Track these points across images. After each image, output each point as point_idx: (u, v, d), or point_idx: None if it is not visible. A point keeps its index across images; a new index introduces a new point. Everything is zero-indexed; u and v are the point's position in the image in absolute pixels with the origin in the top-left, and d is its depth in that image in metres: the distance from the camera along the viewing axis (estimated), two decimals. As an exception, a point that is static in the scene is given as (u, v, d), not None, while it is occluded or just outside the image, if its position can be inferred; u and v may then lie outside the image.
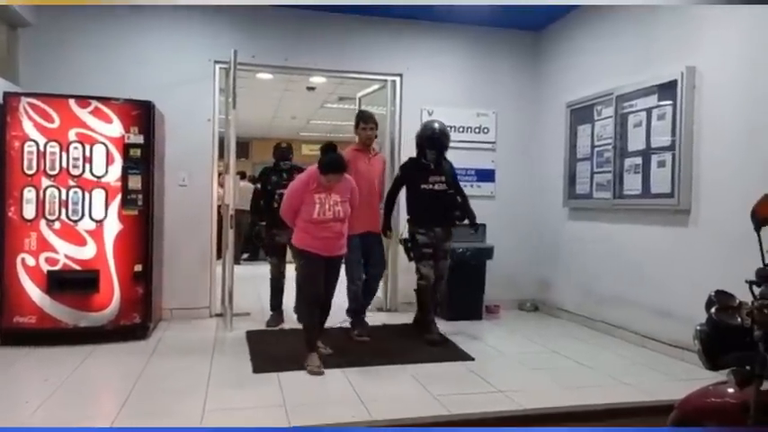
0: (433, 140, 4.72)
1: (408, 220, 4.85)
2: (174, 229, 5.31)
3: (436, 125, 4.81)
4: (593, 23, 5.34)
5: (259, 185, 5.18)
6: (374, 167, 4.84)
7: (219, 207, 5.73)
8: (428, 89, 5.98)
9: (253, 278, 8.16)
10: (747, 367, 2.21)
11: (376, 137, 4.86)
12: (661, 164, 4.34)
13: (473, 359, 4.16)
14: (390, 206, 4.87)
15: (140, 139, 4.54)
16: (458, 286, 5.29)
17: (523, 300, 6.20)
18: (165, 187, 5.20)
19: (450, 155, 6.11)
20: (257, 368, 3.87)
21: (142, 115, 4.56)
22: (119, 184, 4.49)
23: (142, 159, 4.55)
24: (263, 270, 9.40)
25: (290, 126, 12.63)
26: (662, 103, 4.35)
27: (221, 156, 5.62)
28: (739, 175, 3.76)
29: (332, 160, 3.77)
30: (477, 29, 6.07)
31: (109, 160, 4.47)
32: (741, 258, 2.27)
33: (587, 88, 5.30)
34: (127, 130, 4.51)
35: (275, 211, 4.41)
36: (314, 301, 3.90)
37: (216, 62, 5.47)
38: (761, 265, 2.24)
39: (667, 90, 4.26)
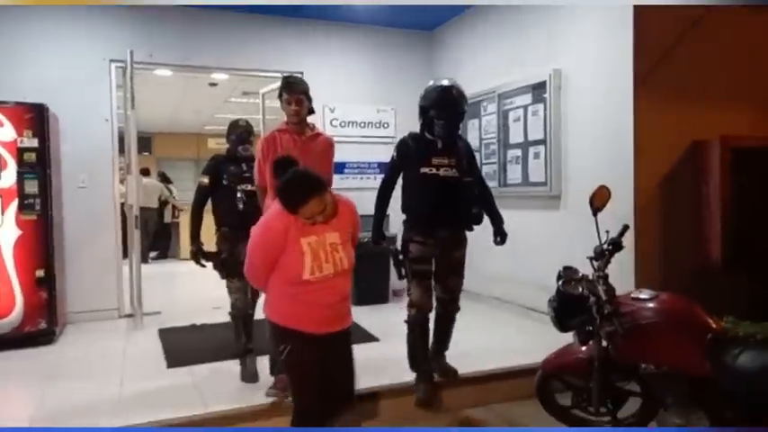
0: (445, 104, 3.27)
1: (404, 222, 3.54)
2: (77, 231, 5.24)
3: (446, 81, 3.41)
4: (480, 26, 5.81)
5: (206, 180, 3.74)
6: (314, 153, 3.29)
7: (123, 205, 5.70)
8: (329, 86, 6.22)
9: (162, 276, 8.12)
10: (589, 328, 2.71)
11: (312, 111, 3.44)
12: (536, 155, 4.90)
13: (378, 340, 4.51)
14: (383, 204, 3.53)
15: (35, 143, 4.47)
16: (365, 273, 5.62)
17: (426, 282, 6.65)
18: (63, 190, 5.11)
19: (352, 149, 6.39)
20: (171, 363, 4.01)
21: (35, 118, 4.48)
22: (14, 188, 4.41)
23: (38, 163, 4.48)
24: (172, 268, 9.38)
25: (193, 120, 12.41)
26: (535, 101, 4.90)
27: (122, 152, 5.58)
28: (598, 165, 4.35)
29: (291, 183, 2.29)
30: (374, 29, 6.38)
31: (2, 165, 4.37)
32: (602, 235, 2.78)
33: (475, 86, 5.76)
34: (20, 134, 4.43)
35: (238, 216, 3.57)
36: (315, 410, 2.42)
37: (111, 61, 5.41)
38: (601, 244, 2.75)
39: (539, 90, 4.81)
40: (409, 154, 3.43)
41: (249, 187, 3.66)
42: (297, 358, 2.39)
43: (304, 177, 2.31)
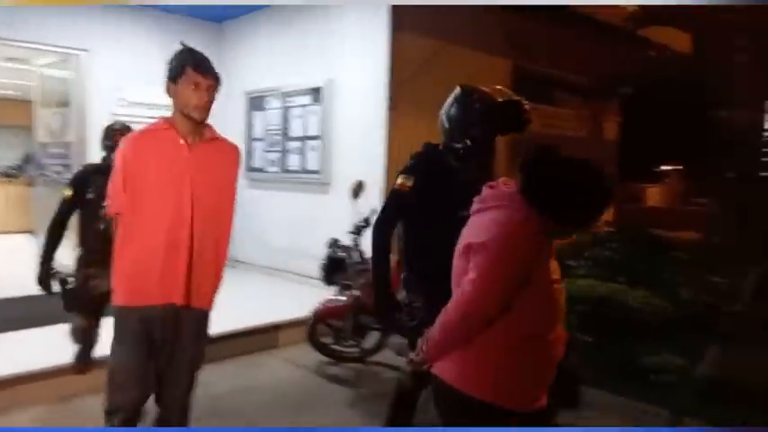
0: (514, 123, 2.37)
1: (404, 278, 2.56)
2: None
3: (489, 87, 2.45)
4: (266, 27, 6.52)
5: (68, 192, 3.13)
6: (212, 167, 2.35)
7: None
8: (118, 67, 6.34)
9: None
10: (347, 282, 3.78)
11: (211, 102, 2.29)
12: (313, 148, 5.88)
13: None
14: (384, 255, 2.47)
15: None
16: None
17: (212, 256, 7.21)
18: None
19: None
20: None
21: None
22: None
23: None
24: None
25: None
26: (313, 102, 5.86)
27: None
28: (360, 160, 5.48)
29: (591, 179, 1.64)
30: (165, 14, 6.64)
31: None
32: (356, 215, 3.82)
33: (262, 81, 6.51)
34: None
35: (98, 238, 2.96)
36: None
37: None
38: (357, 221, 3.81)
39: (316, 93, 5.78)
40: (432, 186, 2.35)
41: None
42: None
43: (598, 169, 1.65)
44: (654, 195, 15.63)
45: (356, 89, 5.55)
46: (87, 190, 3.10)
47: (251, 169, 6.74)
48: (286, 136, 6.20)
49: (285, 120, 6.19)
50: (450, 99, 2.40)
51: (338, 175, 5.72)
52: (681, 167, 16.92)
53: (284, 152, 6.23)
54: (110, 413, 2.30)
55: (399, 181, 2.39)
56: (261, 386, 3.79)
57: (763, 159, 5.24)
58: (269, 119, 6.45)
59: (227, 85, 7.02)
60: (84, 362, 3.34)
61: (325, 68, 5.76)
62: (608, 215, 8.08)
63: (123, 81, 6.39)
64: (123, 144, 2.28)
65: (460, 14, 5.59)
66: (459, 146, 2.38)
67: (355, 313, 3.93)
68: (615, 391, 3.68)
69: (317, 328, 4.23)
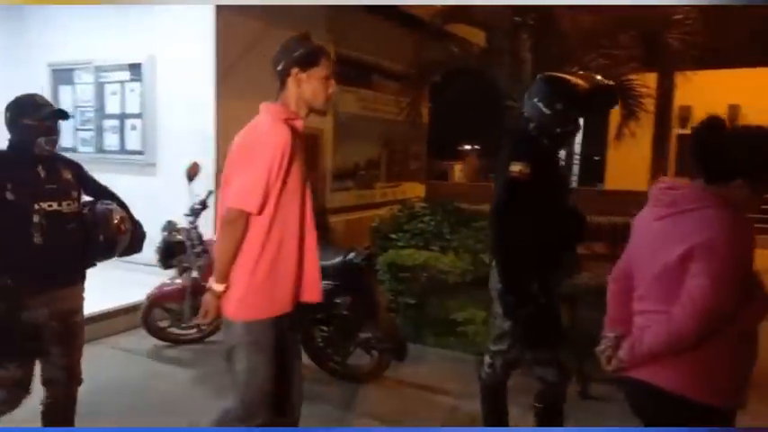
0: (608, 94, 2.60)
1: (507, 269, 2.40)
2: None
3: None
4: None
5: None
6: None
7: None
8: None
9: None
10: (185, 264, 3.82)
11: None
12: (133, 127, 5.61)
13: None
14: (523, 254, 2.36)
15: None
16: None
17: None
18: None
19: None
20: None
21: None
22: None
23: None
24: None
25: None
26: (132, 79, 5.56)
27: None
28: (186, 140, 5.39)
29: None
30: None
31: None
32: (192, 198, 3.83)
33: (70, 53, 5.93)
34: None
35: (32, 254, 2.27)
36: None
37: None
38: (193, 204, 3.86)
39: (136, 69, 5.50)
40: (540, 171, 2.34)
41: (54, 206, 2.33)
42: None
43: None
44: (458, 172, 17.51)
45: (181, 67, 5.41)
46: (4, 187, 2.26)
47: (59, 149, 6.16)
48: (101, 113, 5.80)
49: (100, 96, 5.78)
50: (542, 87, 2.40)
51: (165, 156, 5.56)
52: (479, 148, 19.14)
53: (99, 131, 5.83)
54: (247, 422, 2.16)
55: (517, 168, 2.30)
56: (99, 377, 3.64)
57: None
58: (80, 94, 5.95)
59: (28, 55, 6.40)
60: None
61: (145, 44, 5.50)
62: (420, 192, 8.99)
63: None
64: (277, 136, 2.06)
65: (283, -1, 5.73)
66: (562, 130, 2.41)
67: (194, 295, 3.98)
68: (433, 344, 4.32)
69: (152, 312, 4.19)
